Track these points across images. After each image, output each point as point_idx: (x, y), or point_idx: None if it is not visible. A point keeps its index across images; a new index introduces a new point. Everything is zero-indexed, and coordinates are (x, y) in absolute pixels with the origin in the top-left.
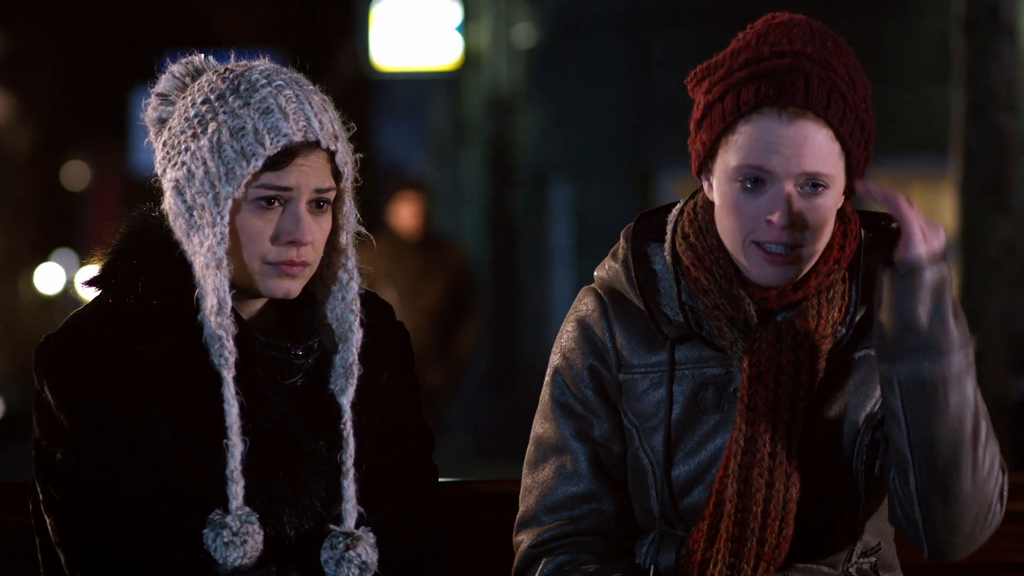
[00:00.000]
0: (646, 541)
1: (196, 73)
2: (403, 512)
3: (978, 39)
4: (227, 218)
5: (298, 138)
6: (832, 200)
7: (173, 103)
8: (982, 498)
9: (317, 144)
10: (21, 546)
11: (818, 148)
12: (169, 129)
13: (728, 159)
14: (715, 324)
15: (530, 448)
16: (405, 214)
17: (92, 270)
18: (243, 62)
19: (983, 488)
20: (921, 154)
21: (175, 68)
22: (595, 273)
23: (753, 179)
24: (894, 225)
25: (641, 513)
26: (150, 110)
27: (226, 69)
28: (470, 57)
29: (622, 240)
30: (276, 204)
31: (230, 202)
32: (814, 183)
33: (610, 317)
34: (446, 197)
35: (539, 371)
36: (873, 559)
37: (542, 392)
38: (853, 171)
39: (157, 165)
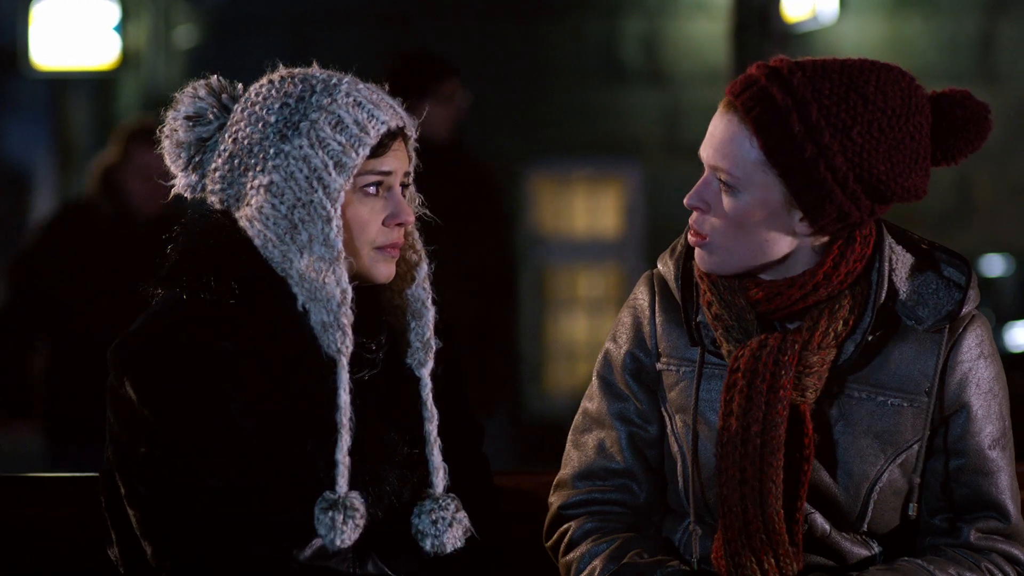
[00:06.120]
0: (680, 526)
1: (222, 90)
2: (465, 498)
3: (748, 44)
4: (339, 210)
5: (393, 124)
6: (743, 208)
7: (211, 121)
8: None
9: (402, 129)
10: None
11: (727, 144)
12: (235, 141)
13: None
14: (717, 335)
15: (578, 416)
16: None
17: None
18: (289, 68)
19: None
20: (585, 156)
21: (199, 90)
22: (657, 262)
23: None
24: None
25: (674, 496)
26: (181, 133)
27: (281, 78)
28: (128, 57)
29: (682, 237)
30: (377, 191)
31: (343, 194)
32: (720, 180)
33: (656, 308)
34: None
35: None
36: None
37: (595, 367)
38: (803, 202)
39: (216, 180)
